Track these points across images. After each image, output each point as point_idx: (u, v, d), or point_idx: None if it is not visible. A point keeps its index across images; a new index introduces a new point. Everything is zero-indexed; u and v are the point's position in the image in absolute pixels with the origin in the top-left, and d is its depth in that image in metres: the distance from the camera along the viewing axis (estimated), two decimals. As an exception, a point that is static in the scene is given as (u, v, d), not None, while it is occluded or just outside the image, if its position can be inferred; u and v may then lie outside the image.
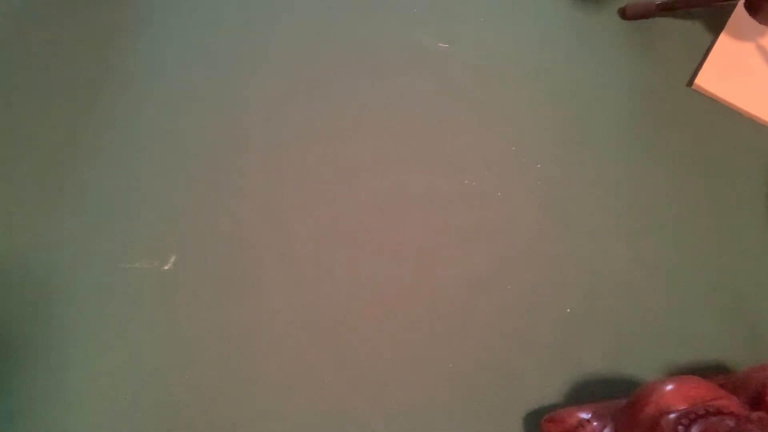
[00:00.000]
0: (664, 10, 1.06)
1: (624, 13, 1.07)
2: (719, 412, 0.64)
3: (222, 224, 0.91)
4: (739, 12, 1.05)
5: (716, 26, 1.06)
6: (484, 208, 0.94)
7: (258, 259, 0.89)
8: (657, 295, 0.90)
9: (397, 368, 0.85)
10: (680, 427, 0.63)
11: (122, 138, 0.95)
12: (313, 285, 0.89)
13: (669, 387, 0.68)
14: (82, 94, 0.98)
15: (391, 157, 0.96)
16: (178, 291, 0.87)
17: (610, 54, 1.05)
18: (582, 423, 0.74)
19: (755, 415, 0.62)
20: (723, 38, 1.04)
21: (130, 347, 0.84)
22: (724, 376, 0.82)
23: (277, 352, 0.85)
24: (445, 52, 1.04)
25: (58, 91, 0.98)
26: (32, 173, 0.93)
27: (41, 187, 0.92)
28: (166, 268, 0.88)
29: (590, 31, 1.06)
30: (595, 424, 0.73)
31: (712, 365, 0.87)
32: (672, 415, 0.65)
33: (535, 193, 0.95)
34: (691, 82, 1.03)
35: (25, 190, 0.92)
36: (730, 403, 0.66)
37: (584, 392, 0.84)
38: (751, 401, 0.70)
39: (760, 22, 0.96)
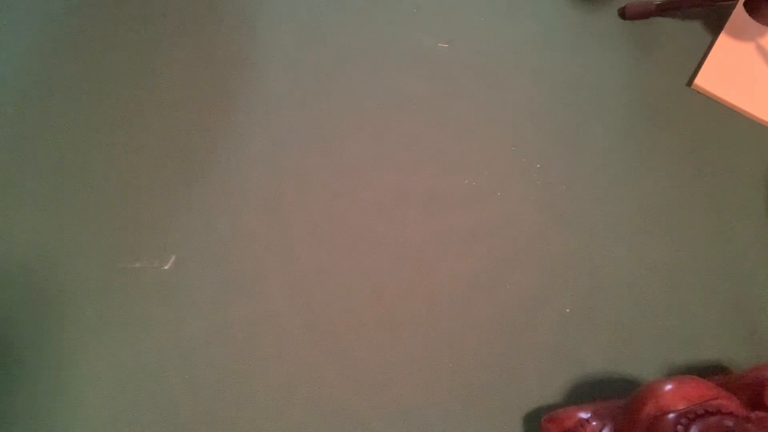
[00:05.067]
0: (664, 10, 1.06)
1: (623, 13, 1.07)
2: (718, 412, 0.64)
3: (222, 224, 0.91)
4: (739, 12, 1.05)
5: (716, 26, 1.06)
6: (484, 208, 0.94)
7: (258, 259, 0.90)
8: (657, 295, 0.90)
9: (397, 368, 0.85)
10: (679, 427, 0.63)
11: (122, 137, 0.96)
12: (313, 285, 0.89)
13: (668, 387, 0.68)
14: (81, 94, 0.98)
15: (391, 157, 0.96)
16: (178, 291, 0.87)
17: (610, 54, 1.05)
18: (582, 423, 0.74)
19: (755, 415, 0.62)
20: (723, 38, 1.04)
21: (130, 347, 0.84)
22: (723, 376, 0.82)
23: (278, 352, 0.85)
24: (445, 52, 1.04)
25: (56, 91, 0.98)
26: (32, 173, 0.93)
27: (41, 186, 0.92)
28: (166, 268, 0.89)
29: (590, 31, 1.07)
30: (594, 423, 0.73)
31: (712, 365, 0.87)
32: (671, 415, 0.65)
33: (535, 193, 0.95)
34: (691, 82, 1.03)
35: (24, 190, 0.92)
36: (730, 403, 0.66)
37: (584, 392, 0.85)
38: (751, 401, 0.70)
39: (759, 23, 0.96)
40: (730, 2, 1.05)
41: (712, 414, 0.63)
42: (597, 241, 0.93)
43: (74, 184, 0.93)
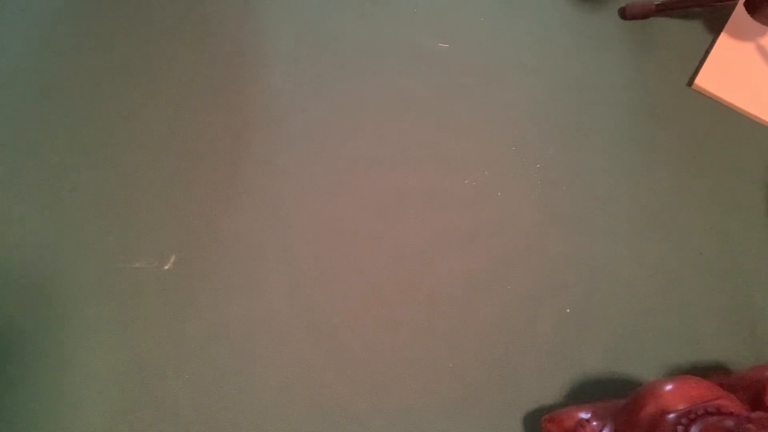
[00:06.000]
0: (664, 10, 1.06)
1: (624, 13, 1.07)
2: (719, 412, 0.64)
3: (222, 224, 0.91)
4: (739, 12, 1.05)
5: (716, 26, 1.06)
6: (484, 208, 0.94)
7: (258, 259, 0.89)
8: (657, 295, 0.90)
9: (397, 368, 0.85)
10: (680, 427, 0.63)
11: (122, 137, 0.96)
12: (313, 285, 0.89)
13: (668, 387, 0.68)
14: (82, 94, 0.98)
15: (391, 157, 0.96)
16: (178, 291, 0.87)
17: (610, 54, 1.05)
18: (582, 423, 0.74)
19: (755, 414, 0.62)
20: (723, 38, 1.04)
21: (130, 347, 0.84)
22: (724, 376, 0.82)
23: (277, 352, 0.85)
24: (445, 52, 1.04)
25: (57, 92, 0.98)
26: (32, 173, 0.93)
27: (41, 187, 0.92)
28: (166, 268, 0.88)
29: (590, 31, 1.07)
30: (594, 423, 0.73)
31: (712, 365, 0.87)
32: (671, 415, 0.65)
33: (535, 193, 0.95)
34: (691, 82, 1.03)
35: (25, 190, 0.92)
36: (730, 403, 0.66)
37: (584, 392, 0.84)
38: (751, 401, 0.70)
39: (759, 22, 0.96)
40: (730, 2, 1.05)
41: (712, 414, 0.64)
42: (597, 241, 0.93)
43: (74, 184, 0.93)
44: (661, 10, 1.06)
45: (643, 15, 1.06)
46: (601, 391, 0.84)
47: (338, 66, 1.02)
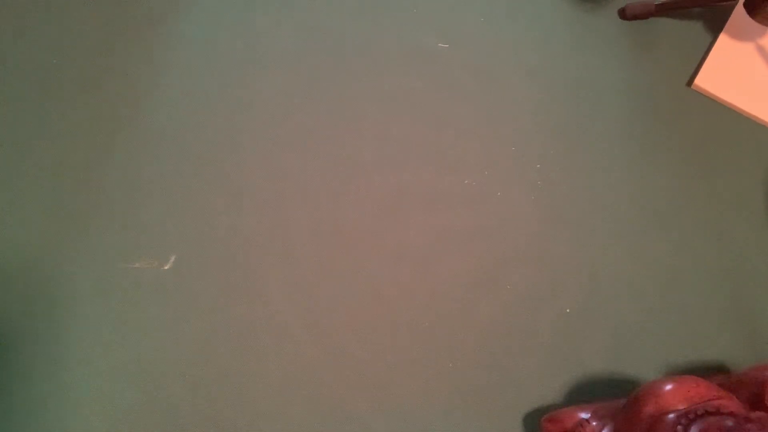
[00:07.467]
0: (664, 11, 1.06)
1: (623, 14, 1.07)
2: (718, 412, 0.64)
3: (222, 224, 0.91)
4: (739, 12, 1.05)
5: (716, 26, 1.06)
6: (484, 208, 0.94)
7: (258, 259, 0.90)
8: (657, 295, 0.90)
9: (397, 368, 0.85)
10: (679, 427, 0.63)
11: (122, 137, 0.96)
12: (313, 285, 0.89)
13: (668, 387, 0.68)
14: (82, 95, 0.98)
15: (391, 157, 0.96)
16: (178, 291, 0.87)
17: (610, 54, 1.05)
18: (581, 423, 0.74)
19: (755, 414, 0.62)
20: (723, 38, 1.04)
21: (130, 347, 0.84)
22: (723, 376, 0.82)
23: (277, 352, 0.85)
24: (445, 52, 1.04)
25: (58, 92, 0.98)
26: (32, 173, 0.93)
27: (41, 187, 0.92)
28: (166, 268, 0.89)
29: (590, 31, 1.07)
30: (594, 423, 0.73)
31: (712, 365, 0.87)
32: (671, 415, 0.65)
33: (535, 193, 0.95)
34: (690, 82, 1.03)
35: (25, 190, 0.92)
36: (730, 402, 0.66)
37: (584, 392, 0.85)
38: (751, 401, 0.70)
39: (759, 23, 0.96)
40: (730, 2, 1.05)
41: (712, 414, 0.64)
42: (597, 241, 0.93)
43: (74, 184, 0.93)
44: (661, 10, 1.06)
45: (643, 15, 1.06)
46: (601, 391, 0.84)
47: (338, 66, 1.02)
